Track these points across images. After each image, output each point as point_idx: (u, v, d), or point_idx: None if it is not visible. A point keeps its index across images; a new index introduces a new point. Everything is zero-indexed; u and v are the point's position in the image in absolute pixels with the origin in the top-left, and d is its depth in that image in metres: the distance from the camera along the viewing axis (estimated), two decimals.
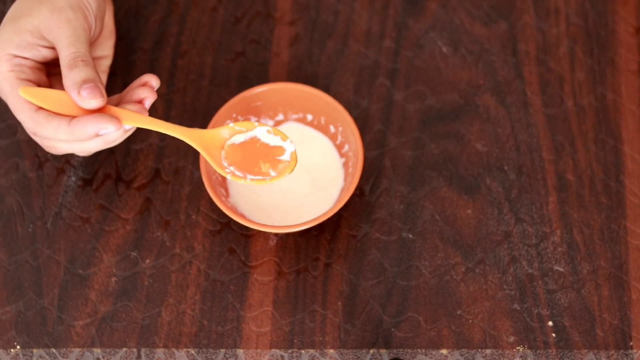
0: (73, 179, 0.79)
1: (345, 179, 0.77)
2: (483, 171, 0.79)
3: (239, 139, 0.72)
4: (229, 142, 0.71)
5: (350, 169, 0.76)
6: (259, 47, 0.83)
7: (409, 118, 0.81)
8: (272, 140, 0.72)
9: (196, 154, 0.79)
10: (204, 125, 0.80)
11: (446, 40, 0.83)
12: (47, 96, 0.68)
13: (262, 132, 0.72)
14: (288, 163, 0.71)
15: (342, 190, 0.76)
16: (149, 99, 0.70)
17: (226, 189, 0.77)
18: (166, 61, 0.82)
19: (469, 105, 0.81)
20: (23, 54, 0.69)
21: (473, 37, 0.83)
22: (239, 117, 0.77)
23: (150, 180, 0.79)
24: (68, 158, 0.79)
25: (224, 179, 0.77)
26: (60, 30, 0.69)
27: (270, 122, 0.79)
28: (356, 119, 0.80)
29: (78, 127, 0.67)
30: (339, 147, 0.78)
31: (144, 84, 0.70)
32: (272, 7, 0.85)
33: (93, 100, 0.68)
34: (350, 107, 0.81)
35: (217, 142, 0.71)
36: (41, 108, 0.68)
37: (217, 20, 0.84)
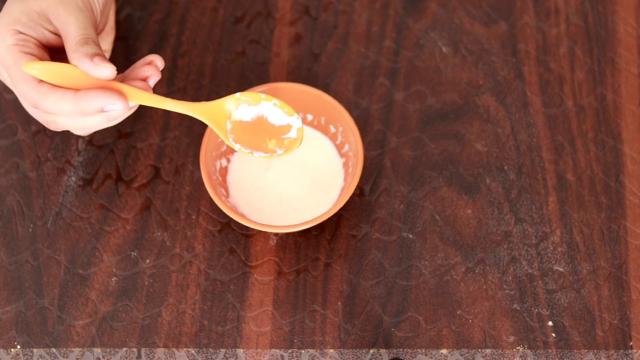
0: (73, 179, 0.79)
1: (345, 179, 0.77)
2: (483, 171, 0.79)
3: (245, 116, 0.71)
4: (236, 117, 0.71)
5: (350, 169, 0.76)
6: (259, 47, 0.83)
7: (409, 118, 0.81)
8: (279, 117, 0.72)
9: (196, 153, 0.79)
10: (204, 125, 0.80)
11: (446, 40, 0.83)
12: (52, 70, 0.67)
13: (268, 107, 0.71)
14: (294, 139, 0.71)
15: (342, 190, 0.76)
16: (154, 77, 0.69)
17: (226, 189, 0.77)
18: (166, 61, 0.82)
19: (469, 105, 0.81)
20: (28, 32, 0.69)
21: (473, 37, 0.83)
22: None
23: (150, 180, 0.79)
24: (68, 158, 0.79)
25: (224, 178, 0.77)
26: (71, 17, 0.68)
27: None
28: (356, 119, 0.80)
29: (85, 99, 0.67)
30: (339, 147, 0.78)
31: (149, 63, 0.70)
32: (272, 7, 0.85)
33: (106, 66, 0.67)
34: (350, 107, 0.81)
35: (223, 114, 0.71)
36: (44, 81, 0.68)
37: (217, 20, 0.84)
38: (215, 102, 0.70)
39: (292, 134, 0.71)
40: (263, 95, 0.71)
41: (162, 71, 0.82)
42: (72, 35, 0.68)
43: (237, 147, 0.70)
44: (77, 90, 0.67)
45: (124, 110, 0.67)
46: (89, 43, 0.68)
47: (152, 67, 0.69)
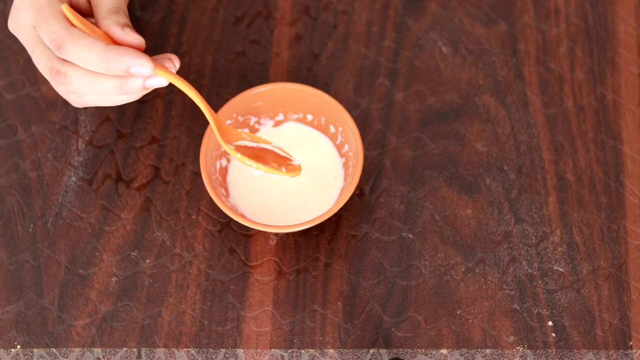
0: (73, 178, 0.79)
1: (345, 179, 0.77)
2: (483, 171, 0.79)
3: (249, 143, 0.73)
4: (240, 143, 0.72)
5: (350, 169, 0.76)
6: (259, 47, 0.83)
7: (409, 118, 0.81)
8: (281, 153, 0.74)
9: (196, 153, 0.79)
10: (204, 125, 0.80)
11: (446, 40, 0.83)
12: (86, 26, 0.66)
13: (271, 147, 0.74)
14: (297, 166, 0.72)
15: (342, 190, 0.76)
16: (171, 69, 0.69)
17: (226, 189, 0.77)
18: None
19: (469, 105, 0.81)
20: None
21: (473, 37, 0.83)
22: (239, 117, 0.77)
23: (150, 180, 0.79)
24: (68, 158, 0.79)
25: (224, 178, 0.77)
26: None
27: (271, 122, 0.79)
28: (356, 119, 0.80)
29: (116, 52, 0.65)
30: (339, 147, 0.78)
31: (169, 59, 0.69)
32: (272, 7, 0.85)
33: (136, 37, 0.66)
34: (350, 107, 0.81)
35: (230, 132, 0.72)
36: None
37: (217, 20, 0.84)
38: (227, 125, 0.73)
39: (295, 162, 0.73)
40: (272, 146, 0.73)
41: None
42: (105, 2, 0.68)
43: (238, 155, 0.71)
44: (107, 44, 0.66)
45: (151, 73, 0.66)
46: (119, 12, 0.67)
47: (170, 62, 0.69)
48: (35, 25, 0.68)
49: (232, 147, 0.72)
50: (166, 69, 0.68)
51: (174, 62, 0.69)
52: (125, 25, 0.67)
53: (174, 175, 0.79)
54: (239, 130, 0.73)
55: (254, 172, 0.74)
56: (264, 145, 0.74)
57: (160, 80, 0.68)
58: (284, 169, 0.72)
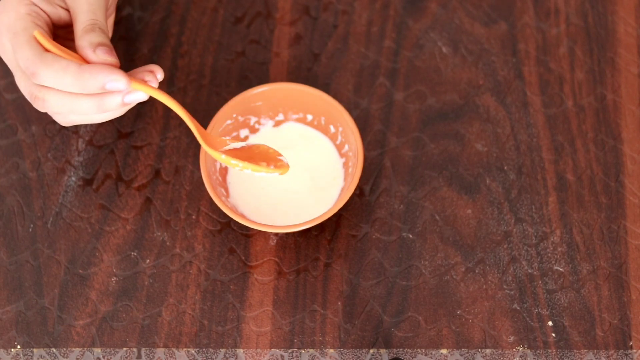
0: (73, 179, 0.79)
1: (345, 179, 0.77)
2: (483, 171, 0.79)
3: (238, 144, 0.73)
4: (229, 147, 0.72)
5: (350, 169, 0.76)
6: (259, 47, 0.83)
7: (409, 118, 0.81)
8: (270, 152, 0.74)
9: (196, 153, 0.79)
10: (204, 125, 0.80)
11: (446, 40, 0.83)
12: (60, 49, 0.67)
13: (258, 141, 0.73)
14: (285, 164, 0.72)
15: (342, 190, 0.76)
16: (152, 82, 0.69)
17: (226, 189, 0.77)
18: (166, 61, 0.82)
19: (469, 105, 0.81)
20: (42, 6, 0.69)
21: (473, 37, 0.83)
22: (239, 117, 0.77)
23: (150, 180, 0.79)
24: (68, 158, 0.79)
25: (224, 178, 0.77)
26: None
27: (271, 122, 0.79)
28: (356, 119, 0.80)
29: (89, 71, 0.65)
30: (339, 147, 0.78)
31: (150, 71, 0.69)
32: (272, 7, 0.85)
33: (107, 59, 0.66)
34: (350, 107, 0.81)
35: (215, 140, 0.72)
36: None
37: (217, 20, 0.84)
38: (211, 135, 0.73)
39: (284, 160, 0.72)
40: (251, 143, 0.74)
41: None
42: (81, 19, 0.68)
43: (222, 156, 0.71)
44: (81, 64, 0.66)
45: (126, 88, 0.66)
46: (95, 30, 0.67)
47: (151, 74, 0.69)
48: (11, 44, 0.68)
49: (218, 152, 0.72)
50: (144, 82, 0.68)
51: (156, 74, 0.69)
52: (99, 45, 0.67)
53: (174, 175, 0.79)
54: (224, 138, 0.74)
55: (246, 171, 0.74)
56: (252, 143, 0.73)
57: (139, 95, 0.68)
58: (272, 167, 0.72)
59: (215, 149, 0.71)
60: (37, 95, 0.68)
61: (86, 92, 0.67)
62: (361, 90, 0.82)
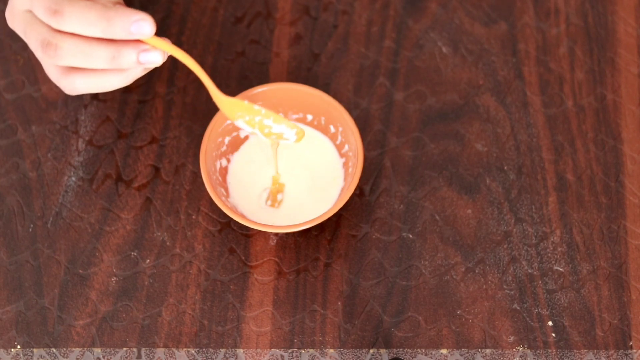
0: (73, 179, 0.79)
1: (345, 179, 0.77)
2: (483, 171, 0.79)
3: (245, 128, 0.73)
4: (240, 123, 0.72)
5: (350, 169, 0.76)
6: (259, 47, 0.83)
7: (409, 118, 0.81)
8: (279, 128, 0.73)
9: (196, 153, 0.79)
10: (204, 125, 0.80)
11: (446, 40, 0.83)
12: None
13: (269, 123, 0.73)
14: (302, 130, 0.72)
15: (342, 190, 0.76)
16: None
17: (226, 189, 0.77)
18: (167, 61, 0.82)
19: (469, 105, 0.81)
20: None
21: (473, 37, 0.83)
22: None
23: (150, 180, 0.79)
24: (68, 158, 0.79)
25: (224, 178, 0.77)
26: None
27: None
28: (356, 119, 0.80)
29: (115, 10, 0.63)
30: (339, 147, 0.78)
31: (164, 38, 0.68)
32: (272, 7, 0.85)
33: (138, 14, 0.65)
34: (350, 107, 0.81)
35: (233, 111, 0.71)
36: None
37: (217, 20, 0.84)
38: (232, 101, 0.71)
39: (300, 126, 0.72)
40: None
41: (163, 71, 0.82)
42: None
43: (239, 121, 0.70)
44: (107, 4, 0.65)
45: (151, 29, 0.65)
46: None
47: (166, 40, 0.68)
48: (30, 1, 0.67)
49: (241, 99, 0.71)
50: (162, 38, 0.67)
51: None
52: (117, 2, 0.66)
53: (174, 175, 0.79)
54: (244, 102, 0.72)
55: (266, 121, 0.72)
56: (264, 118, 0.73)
57: (154, 56, 0.66)
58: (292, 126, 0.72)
59: (233, 114, 0.71)
60: (50, 41, 0.66)
61: (108, 35, 0.65)
62: (361, 90, 0.82)
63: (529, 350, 0.74)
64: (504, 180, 0.79)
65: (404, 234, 0.77)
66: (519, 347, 0.74)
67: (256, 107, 0.71)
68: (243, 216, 0.75)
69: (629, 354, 0.73)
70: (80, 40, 0.66)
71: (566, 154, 0.79)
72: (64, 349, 0.74)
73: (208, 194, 0.78)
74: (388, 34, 0.84)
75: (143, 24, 0.64)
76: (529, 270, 0.76)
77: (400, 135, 0.80)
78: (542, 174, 0.79)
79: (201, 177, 0.78)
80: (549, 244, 0.77)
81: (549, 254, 0.76)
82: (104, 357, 0.74)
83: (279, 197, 0.77)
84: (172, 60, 0.83)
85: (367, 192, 0.78)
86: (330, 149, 0.79)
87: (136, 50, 0.66)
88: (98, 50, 0.66)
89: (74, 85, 0.69)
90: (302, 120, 0.79)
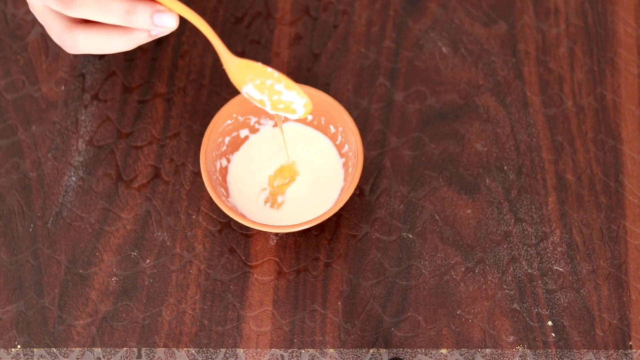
0: (73, 178, 0.79)
1: (345, 179, 0.77)
2: (483, 171, 0.79)
3: (256, 95, 0.70)
4: (248, 89, 0.70)
5: (350, 169, 0.76)
6: (259, 47, 0.83)
7: (409, 118, 0.81)
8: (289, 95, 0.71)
9: (196, 153, 0.79)
10: (204, 125, 0.80)
11: (446, 40, 0.83)
12: None
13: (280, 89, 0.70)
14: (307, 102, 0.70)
15: (342, 190, 0.76)
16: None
17: (226, 189, 0.77)
18: (166, 61, 0.82)
19: (469, 105, 0.81)
20: None
21: (473, 38, 0.83)
22: (239, 117, 0.77)
23: (150, 180, 0.79)
24: (68, 158, 0.79)
25: (224, 178, 0.77)
26: None
27: (271, 122, 0.79)
28: (356, 119, 0.80)
29: None
30: (339, 147, 0.78)
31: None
32: (272, 7, 0.85)
33: None
34: (350, 107, 0.81)
35: (241, 76, 0.69)
36: None
37: (217, 20, 0.84)
38: (243, 62, 0.68)
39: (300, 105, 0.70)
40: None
41: (163, 71, 0.82)
42: None
43: (244, 90, 0.68)
44: None
45: (147, 18, 0.64)
46: None
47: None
48: None
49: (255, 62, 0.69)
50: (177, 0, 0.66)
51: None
52: None
53: (174, 175, 0.79)
54: (254, 62, 0.69)
55: (277, 86, 0.70)
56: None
57: (169, 20, 0.65)
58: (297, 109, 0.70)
59: (242, 78, 0.69)
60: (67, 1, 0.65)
61: None
62: (361, 90, 0.82)
63: (528, 350, 0.74)
64: (504, 180, 0.79)
65: (404, 234, 0.77)
66: (518, 347, 0.74)
67: (269, 69, 0.68)
68: (243, 216, 0.75)
69: (629, 354, 0.74)
70: None
71: (566, 154, 0.79)
72: (64, 349, 0.74)
73: (208, 194, 0.78)
74: (388, 34, 0.84)
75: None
76: (529, 270, 0.76)
77: (400, 135, 0.80)
78: (542, 174, 0.79)
79: (201, 177, 0.78)
80: (548, 244, 0.77)
81: (549, 254, 0.76)
82: (104, 357, 0.74)
83: (280, 199, 0.77)
84: (171, 61, 0.83)
85: (367, 192, 0.78)
86: (330, 149, 0.79)
87: (151, 9, 0.66)
88: (114, 2, 0.65)
89: (77, 42, 0.68)
90: (302, 120, 0.79)
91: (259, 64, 0.68)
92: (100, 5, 0.65)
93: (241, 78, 0.69)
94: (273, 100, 0.70)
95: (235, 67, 0.68)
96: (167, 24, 0.66)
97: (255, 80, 0.69)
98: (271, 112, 0.71)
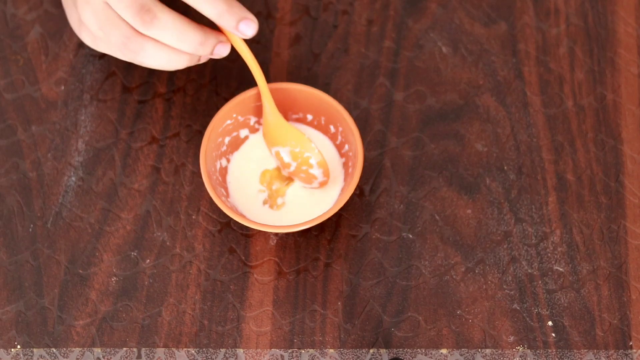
0: (73, 179, 0.79)
1: (345, 179, 0.77)
2: (483, 171, 0.79)
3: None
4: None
5: (350, 169, 0.76)
6: (259, 47, 0.83)
7: (409, 118, 0.81)
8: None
9: (196, 153, 0.79)
10: (204, 125, 0.80)
11: (446, 40, 0.83)
12: None
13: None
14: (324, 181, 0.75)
15: (342, 190, 0.76)
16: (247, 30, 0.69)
17: (226, 189, 0.77)
18: None
19: (469, 105, 0.81)
20: None
21: (473, 38, 0.83)
22: (239, 117, 0.77)
23: (150, 180, 0.79)
24: (68, 158, 0.79)
25: (224, 178, 0.77)
26: None
27: None
28: (356, 119, 0.80)
29: (232, 1, 0.64)
30: (339, 147, 0.78)
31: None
32: (272, 7, 0.85)
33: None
34: (350, 107, 0.81)
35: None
36: None
37: None
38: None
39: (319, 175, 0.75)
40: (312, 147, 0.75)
41: (162, 71, 0.82)
42: None
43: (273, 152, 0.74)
44: None
45: (254, 33, 0.66)
46: None
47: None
48: None
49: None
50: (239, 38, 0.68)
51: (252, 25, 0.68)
52: None
53: (174, 175, 0.79)
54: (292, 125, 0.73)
55: (283, 170, 0.75)
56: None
57: (225, 50, 0.67)
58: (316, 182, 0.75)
59: (279, 142, 0.72)
60: (151, 8, 0.64)
61: (218, 21, 0.65)
62: (361, 90, 0.82)
63: (528, 350, 0.74)
64: (504, 180, 0.79)
65: (404, 234, 0.77)
66: (518, 347, 0.74)
67: (312, 144, 0.73)
68: (243, 216, 0.75)
69: (629, 354, 0.74)
70: (179, 17, 0.64)
71: (566, 154, 0.79)
72: (64, 349, 0.74)
73: (208, 194, 0.78)
74: (388, 34, 0.84)
75: (251, 24, 0.66)
76: (529, 270, 0.76)
77: (400, 135, 0.80)
78: (542, 174, 0.79)
79: (201, 177, 0.78)
80: (548, 244, 0.77)
81: (549, 254, 0.76)
82: (104, 357, 0.74)
83: (279, 200, 0.77)
84: None
85: (367, 192, 0.78)
86: (330, 149, 0.79)
87: (217, 40, 0.66)
88: (192, 33, 0.65)
89: (144, 50, 0.67)
90: (302, 120, 0.79)
91: (306, 136, 0.72)
92: (180, 33, 0.65)
93: (281, 139, 0.72)
94: (300, 169, 0.75)
95: (280, 128, 0.72)
96: (222, 54, 0.68)
97: (295, 148, 0.73)
98: (286, 174, 0.75)
